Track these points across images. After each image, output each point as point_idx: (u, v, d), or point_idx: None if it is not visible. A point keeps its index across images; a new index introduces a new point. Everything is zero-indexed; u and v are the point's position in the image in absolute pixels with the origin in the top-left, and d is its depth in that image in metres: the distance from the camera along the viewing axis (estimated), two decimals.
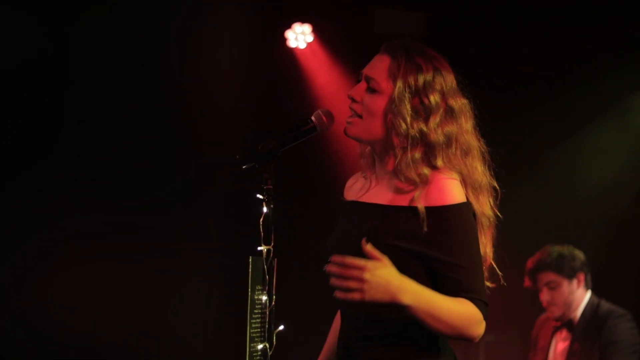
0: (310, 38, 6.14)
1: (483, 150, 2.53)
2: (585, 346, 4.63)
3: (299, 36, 6.13)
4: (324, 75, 6.15)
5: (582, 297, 4.73)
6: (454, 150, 2.45)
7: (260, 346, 2.44)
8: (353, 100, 2.54)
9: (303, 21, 6.12)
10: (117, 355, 5.60)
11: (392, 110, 2.45)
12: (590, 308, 4.70)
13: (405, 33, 5.86)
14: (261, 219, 2.46)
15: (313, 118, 2.56)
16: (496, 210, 2.52)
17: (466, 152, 2.47)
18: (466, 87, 2.57)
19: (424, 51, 2.51)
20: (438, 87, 2.46)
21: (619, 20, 5.75)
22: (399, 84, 2.45)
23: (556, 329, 4.81)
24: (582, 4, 5.83)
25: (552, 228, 5.88)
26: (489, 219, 2.48)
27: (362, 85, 2.53)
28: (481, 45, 5.96)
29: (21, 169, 5.46)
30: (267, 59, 6.19)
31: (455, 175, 2.43)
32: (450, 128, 2.45)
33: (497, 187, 2.54)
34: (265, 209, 2.48)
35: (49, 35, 5.44)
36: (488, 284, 2.49)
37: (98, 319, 5.53)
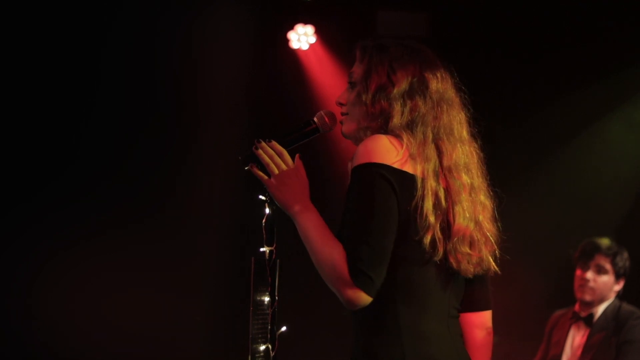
0: (312, 39, 6.14)
1: (461, 117, 2.49)
2: (602, 342, 4.68)
3: (302, 37, 6.13)
4: (326, 77, 6.14)
5: (611, 297, 4.79)
6: (421, 115, 2.41)
7: (262, 347, 2.44)
8: (341, 104, 2.57)
9: (306, 22, 6.12)
10: (119, 355, 5.60)
11: (358, 93, 2.48)
12: (613, 308, 4.78)
13: (408, 35, 5.86)
14: (263, 220, 2.47)
15: (315, 119, 2.57)
16: (471, 179, 2.44)
17: (437, 117, 2.43)
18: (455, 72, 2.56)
19: (395, 39, 2.54)
20: (409, 63, 2.46)
21: (624, 20, 5.75)
22: (365, 67, 2.48)
23: (573, 323, 4.84)
24: (586, 4, 5.83)
25: (556, 229, 5.88)
26: (460, 184, 2.40)
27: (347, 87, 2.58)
28: (485, 46, 5.96)
29: (21, 173, 5.47)
30: (269, 60, 6.19)
31: (394, 123, 2.39)
32: (422, 97, 2.43)
33: (480, 155, 2.50)
34: (267, 210, 2.48)
35: (51, 40, 5.45)
36: (471, 252, 2.41)
37: (99, 320, 5.53)
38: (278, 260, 2.46)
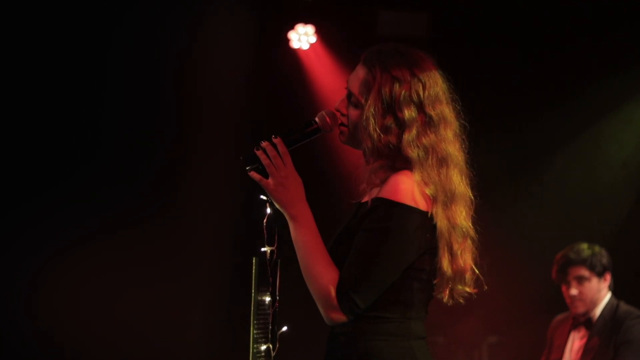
0: (313, 39, 6.14)
1: (461, 159, 2.49)
2: (601, 344, 4.68)
3: (302, 37, 6.13)
4: (327, 77, 6.15)
5: (604, 297, 4.78)
6: (430, 160, 2.42)
7: (263, 347, 2.44)
8: (341, 113, 2.56)
9: (306, 22, 6.12)
10: (119, 355, 5.60)
11: (363, 124, 2.46)
12: (610, 308, 4.76)
13: (409, 35, 5.86)
14: (265, 220, 2.47)
15: (317, 119, 2.56)
16: (469, 222, 2.47)
17: (442, 162, 2.43)
18: (457, 87, 2.53)
19: (403, 57, 2.48)
20: (415, 97, 2.43)
21: (624, 20, 5.75)
22: (371, 100, 2.45)
23: (573, 327, 4.84)
24: (586, 4, 5.83)
25: (557, 230, 5.88)
26: (462, 230, 2.44)
27: (346, 97, 2.56)
28: (485, 46, 5.96)
29: (22, 173, 5.47)
30: (270, 59, 6.19)
31: (416, 177, 2.40)
32: (427, 139, 2.43)
33: (473, 198, 2.50)
34: (268, 210, 2.49)
35: (52, 41, 5.45)
36: (468, 289, 2.47)
37: (99, 320, 5.53)
38: (279, 260, 2.46)
